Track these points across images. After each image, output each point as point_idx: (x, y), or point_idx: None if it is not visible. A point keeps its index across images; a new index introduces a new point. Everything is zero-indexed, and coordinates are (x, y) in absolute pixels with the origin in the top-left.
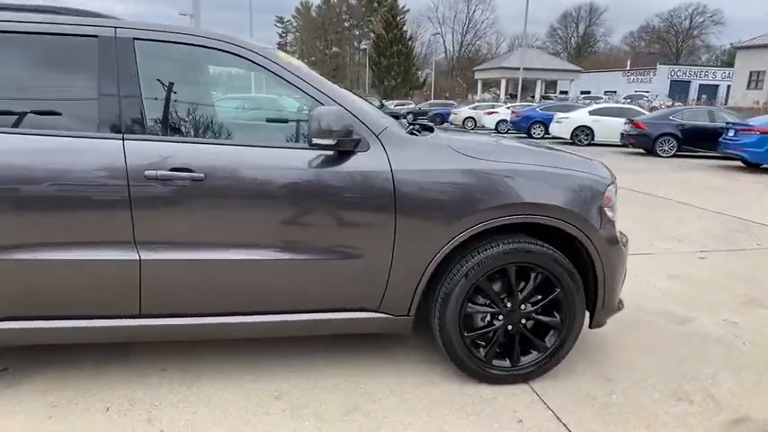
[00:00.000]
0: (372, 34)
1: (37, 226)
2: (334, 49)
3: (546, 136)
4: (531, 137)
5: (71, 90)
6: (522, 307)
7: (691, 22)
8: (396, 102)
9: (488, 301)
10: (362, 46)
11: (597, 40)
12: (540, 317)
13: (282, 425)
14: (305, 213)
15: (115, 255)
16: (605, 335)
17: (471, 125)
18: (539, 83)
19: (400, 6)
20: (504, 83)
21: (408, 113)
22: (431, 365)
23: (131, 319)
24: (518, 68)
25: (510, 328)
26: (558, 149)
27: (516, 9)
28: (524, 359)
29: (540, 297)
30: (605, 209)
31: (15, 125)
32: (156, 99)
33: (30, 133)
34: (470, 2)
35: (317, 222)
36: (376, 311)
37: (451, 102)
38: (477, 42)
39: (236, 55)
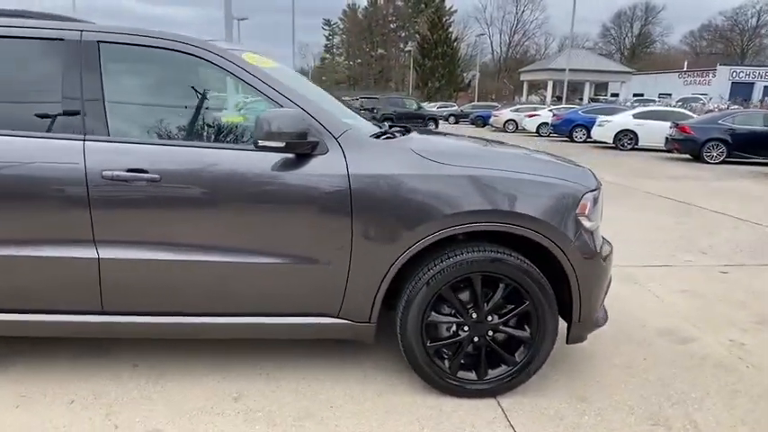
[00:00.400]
0: (417, 36)
1: None
2: (380, 50)
3: (588, 140)
4: (572, 140)
5: (36, 91)
6: (489, 318)
7: (758, 21)
8: (438, 104)
9: (453, 311)
10: (407, 48)
11: (654, 41)
12: (509, 329)
13: (233, 428)
14: (260, 216)
15: (75, 252)
16: (592, 351)
17: (512, 128)
18: (587, 85)
19: (447, 7)
20: (550, 85)
21: (450, 115)
22: (399, 374)
23: (94, 316)
24: (564, 70)
25: (476, 339)
26: (541, 154)
27: (566, 9)
28: (492, 372)
29: (508, 309)
30: (581, 218)
31: None
32: (118, 101)
33: None
34: (519, 2)
35: (272, 225)
36: (336, 317)
37: (495, 104)
38: (526, 43)
39: (198, 57)
